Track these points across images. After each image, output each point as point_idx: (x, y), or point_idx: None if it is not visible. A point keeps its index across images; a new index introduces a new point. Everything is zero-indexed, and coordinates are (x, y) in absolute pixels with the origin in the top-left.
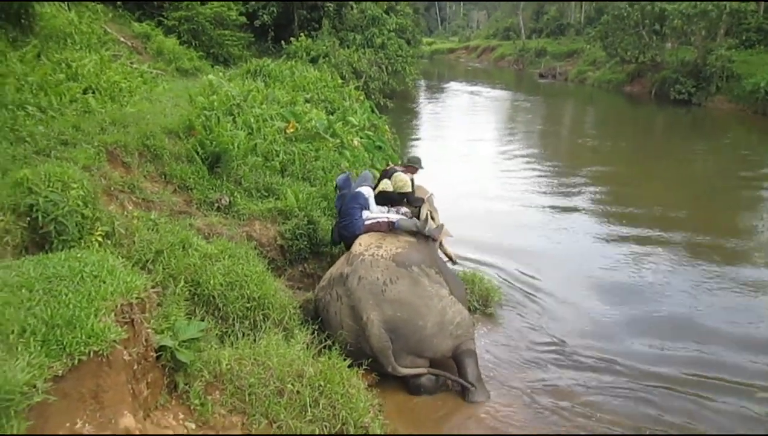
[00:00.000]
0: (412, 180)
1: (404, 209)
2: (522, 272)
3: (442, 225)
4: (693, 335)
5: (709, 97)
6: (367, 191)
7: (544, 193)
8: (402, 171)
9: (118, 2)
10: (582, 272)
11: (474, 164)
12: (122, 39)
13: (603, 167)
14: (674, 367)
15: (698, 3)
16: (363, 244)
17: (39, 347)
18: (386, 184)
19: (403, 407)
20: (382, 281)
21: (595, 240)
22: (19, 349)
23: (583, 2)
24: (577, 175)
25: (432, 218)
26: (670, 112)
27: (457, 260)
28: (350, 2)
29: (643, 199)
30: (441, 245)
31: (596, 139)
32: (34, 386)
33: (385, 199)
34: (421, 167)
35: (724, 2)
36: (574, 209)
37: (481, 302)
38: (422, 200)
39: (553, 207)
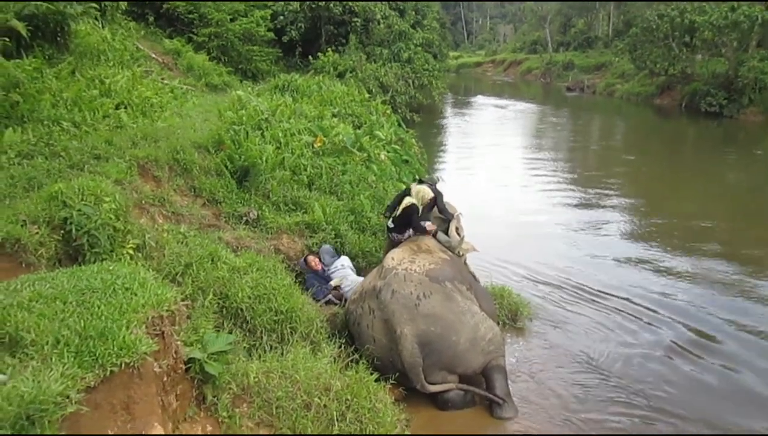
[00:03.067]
0: (438, 193)
1: (429, 223)
2: (551, 289)
3: (463, 238)
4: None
5: (741, 110)
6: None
7: (575, 209)
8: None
9: (150, 20)
10: (615, 291)
11: (502, 178)
12: (153, 55)
13: (634, 182)
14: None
15: (729, 14)
16: (396, 258)
17: (72, 359)
18: (410, 201)
19: (431, 423)
20: (415, 295)
21: (627, 259)
22: (53, 360)
23: (611, 15)
24: (607, 190)
25: (458, 234)
26: (701, 124)
27: (479, 280)
28: (377, 18)
29: (677, 217)
30: (465, 263)
31: (626, 153)
32: (68, 397)
33: (411, 215)
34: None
35: (756, 13)
36: (606, 228)
37: (510, 316)
38: (451, 215)
39: (584, 223)
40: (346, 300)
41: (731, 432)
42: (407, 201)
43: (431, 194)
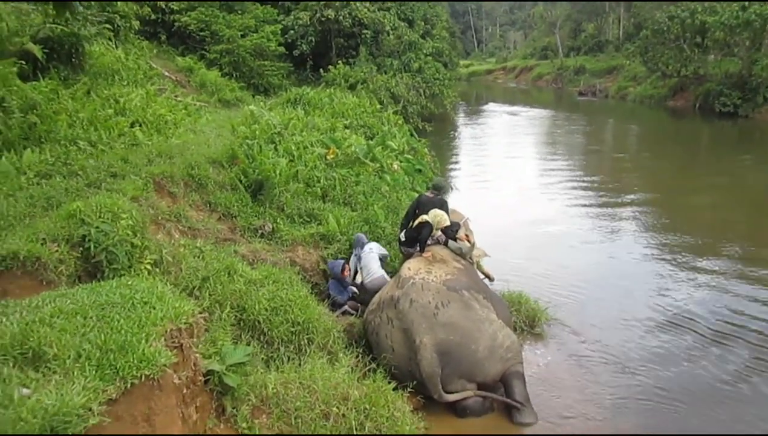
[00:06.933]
0: (444, 202)
1: (439, 233)
2: (568, 294)
3: (474, 244)
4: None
5: (756, 109)
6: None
7: (594, 215)
8: (431, 196)
9: (162, 38)
10: (631, 297)
11: (517, 185)
12: (167, 73)
13: (651, 187)
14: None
15: (740, 13)
16: (412, 268)
17: (94, 372)
18: (424, 219)
19: (450, 430)
20: (434, 304)
21: (646, 263)
22: (75, 373)
23: (621, 18)
24: (622, 195)
25: (468, 240)
26: (716, 125)
27: (495, 278)
28: (387, 29)
29: (698, 220)
30: (479, 264)
31: (643, 157)
32: (90, 409)
33: (422, 230)
34: (447, 192)
35: None
36: (625, 233)
37: (528, 322)
38: (458, 224)
39: (603, 229)
40: (363, 310)
41: (732, 432)
42: (422, 218)
43: (448, 222)
